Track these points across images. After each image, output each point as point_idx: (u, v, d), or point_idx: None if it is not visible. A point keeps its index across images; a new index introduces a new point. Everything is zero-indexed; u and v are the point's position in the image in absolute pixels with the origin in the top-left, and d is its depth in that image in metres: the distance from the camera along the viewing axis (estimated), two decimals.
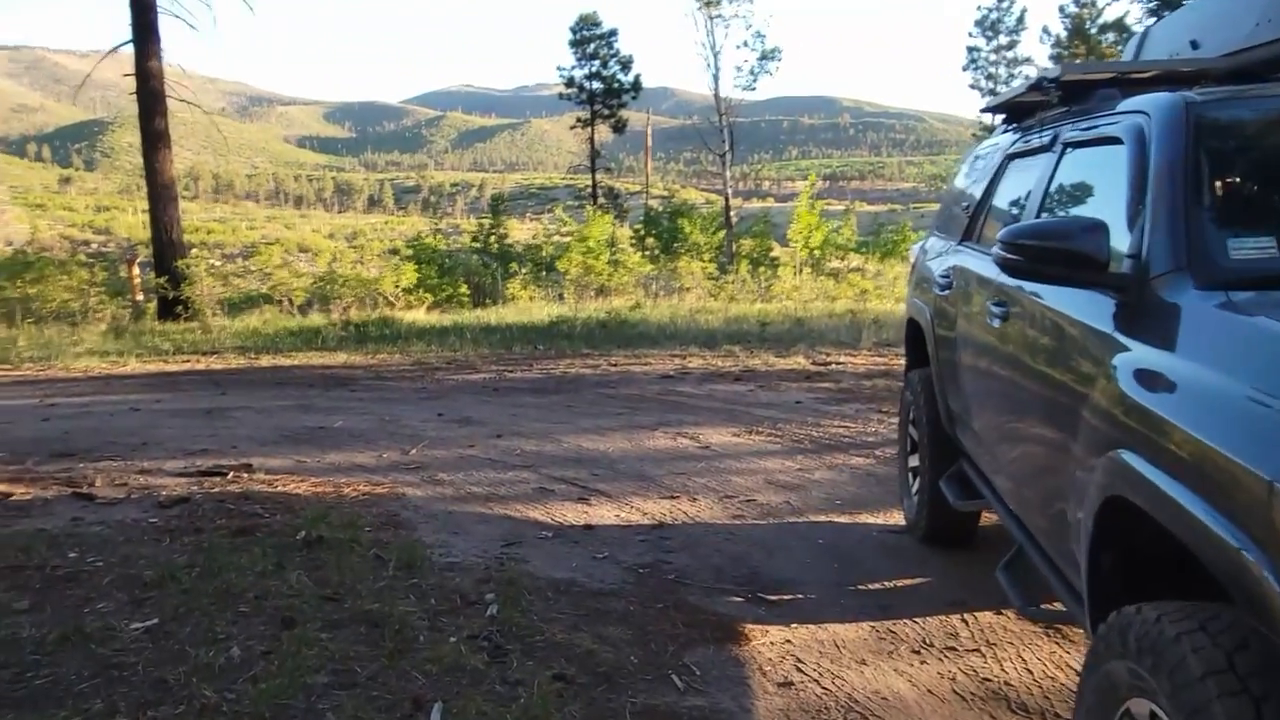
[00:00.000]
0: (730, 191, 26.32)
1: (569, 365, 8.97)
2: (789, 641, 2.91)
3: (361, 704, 2.37)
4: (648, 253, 19.80)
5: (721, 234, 22.00)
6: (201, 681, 2.45)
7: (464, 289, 17.63)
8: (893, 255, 18.91)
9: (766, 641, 2.91)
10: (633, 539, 3.89)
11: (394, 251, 21.23)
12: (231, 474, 4.76)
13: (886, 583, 3.42)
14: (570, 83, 32.16)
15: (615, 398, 7.20)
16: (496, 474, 4.97)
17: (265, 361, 10.02)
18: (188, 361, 10.23)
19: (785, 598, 3.28)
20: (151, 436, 5.85)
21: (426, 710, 2.36)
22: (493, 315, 13.90)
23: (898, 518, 4.07)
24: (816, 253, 18.78)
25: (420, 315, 14.15)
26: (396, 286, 15.54)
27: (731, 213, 25.33)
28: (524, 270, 19.89)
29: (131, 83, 15.04)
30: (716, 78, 26.86)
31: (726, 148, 26.68)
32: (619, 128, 32.98)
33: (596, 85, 31.98)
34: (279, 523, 3.85)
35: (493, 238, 21.66)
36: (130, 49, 14.92)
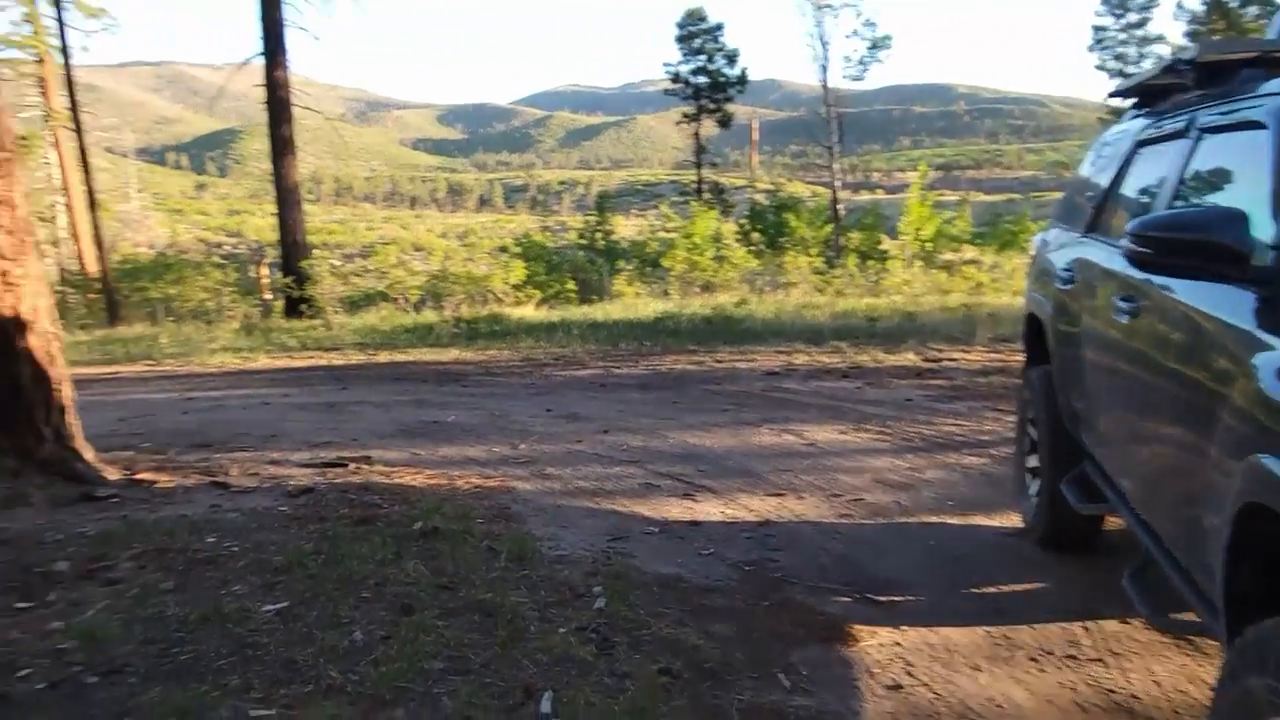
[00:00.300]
0: (838, 184, 25.79)
1: (674, 361, 9.00)
2: (898, 644, 2.85)
3: (475, 690, 2.45)
4: (753, 248, 19.62)
5: (828, 228, 21.60)
6: (327, 663, 2.59)
7: (571, 285, 17.91)
8: (1010, 247, 18.15)
9: (875, 643, 2.86)
10: (738, 536, 3.89)
11: (503, 249, 21.75)
12: (352, 465, 4.99)
13: (1002, 587, 3.31)
14: (676, 78, 32.15)
15: (720, 394, 7.19)
16: (603, 469, 5.04)
17: (383, 357, 10.44)
18: (312, 357, 10.75)
19: (895, 599, 3.21)
20: (280, 429, 6.19)
21: (537, 698, 2.42)
22: (599, 311, 14.07)
23: (1014, 520, 3.92)
24: (928, 245, 18.23)
25: (529, 311, 14.46)
26: (506, 283, 15.93)
27: (839, 205, 24.81)
28: (630, 266, 20.05)
29: (261, 93, 15.92)
30: (825, 68, 26.28)
31: (834, 139, 26.15)
32: (724, 122, 32.81)
33: (702, 80, 31.87)
34: (397, 513, 4.02)
35: (599, 234, 21.93)
36: (260, 61, 15.77)
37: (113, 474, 4.49)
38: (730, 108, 32.87)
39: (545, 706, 2.38)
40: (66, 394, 4.36)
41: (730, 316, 12.10)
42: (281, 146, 15.93)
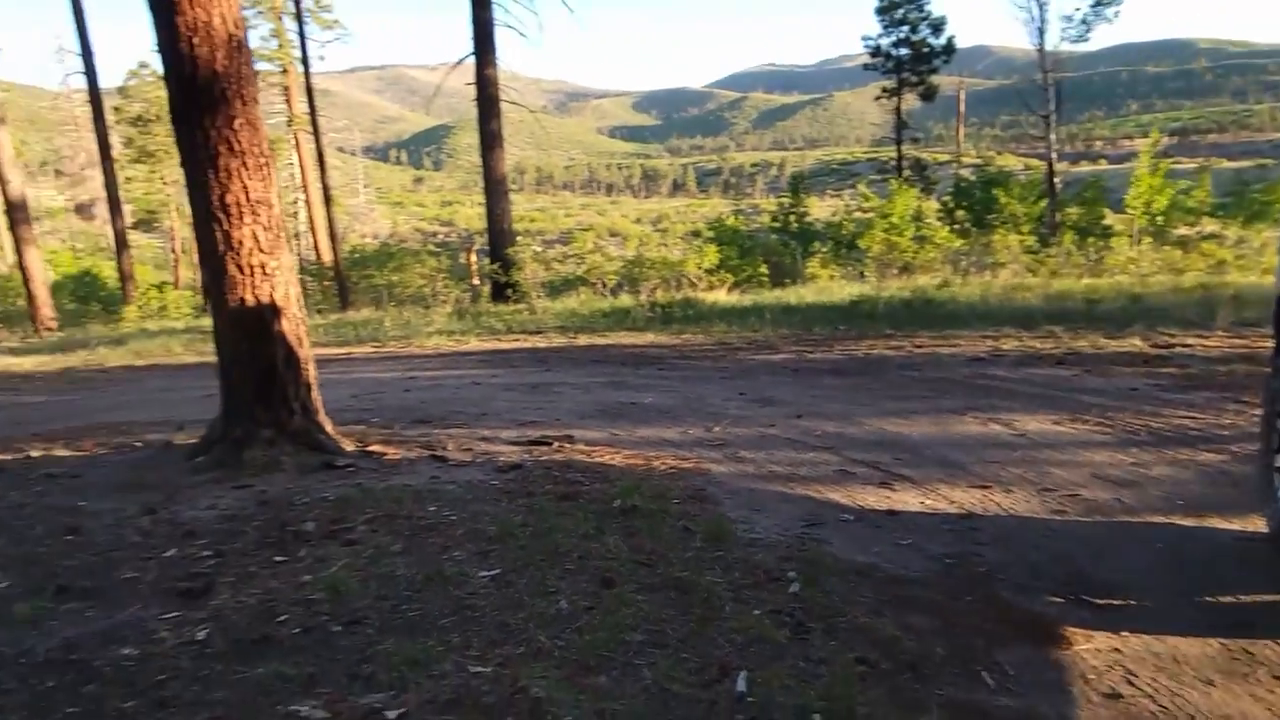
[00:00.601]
0: (1054, 155, 23.90)
1: (870, 346, 8.77)
2: (1118, 650, 2.67)
3: (673, 664, 2.54)
4: (957, 226, 18.66)
5: (1043, 203, 20.13)
6: (537, 628, 2.76)
7: (763, 269, 17.82)
8: (1260, 219, 16.19)
9: (1091, 648, 2.69)
10: (939, 528, 3.76)
11: (696, 234, 21.92)
12: (556, 444, 5.25)
13: (1241, 597, 3.00)
14: (876, 52, 30.92)
15: (920, 380, 6.94)
16: (796, 454, 5.01)
17: (582, 340, 10.86)
18: (517, 340, 11.37)
19: (1115, 603, 3.00)
20: (490, 408, 6.61)
21: (732, 677, 2.47)
22: (792, 295, 13.92)
23: (1257, 524, 3.54)
24: (1160, 219, 16.63)
25: (721, 296, 14.53)
26: (699, 268, 16.08)
27: (1055, 179, 23.00)
28: (824, 249, 19.67)
29: (472, 90, 16.89)
30: (1041, 31, 24.35)
31: (1051, 107, 24.26)
32: (928, 95, 31.25)
33: (904, 52, 30.46)
34: (597, 491, 4.20)
35: (792, 216, 21.63)
36: (472, 60, 16.74)
37: (349, 445, 4.98)
38: (934, 79, 31.22)
39: (740, 685, 2.42)
40: (311, 373, 4.87)
41: (931, 299, 11.62)
42: (490, 140, 16.85)
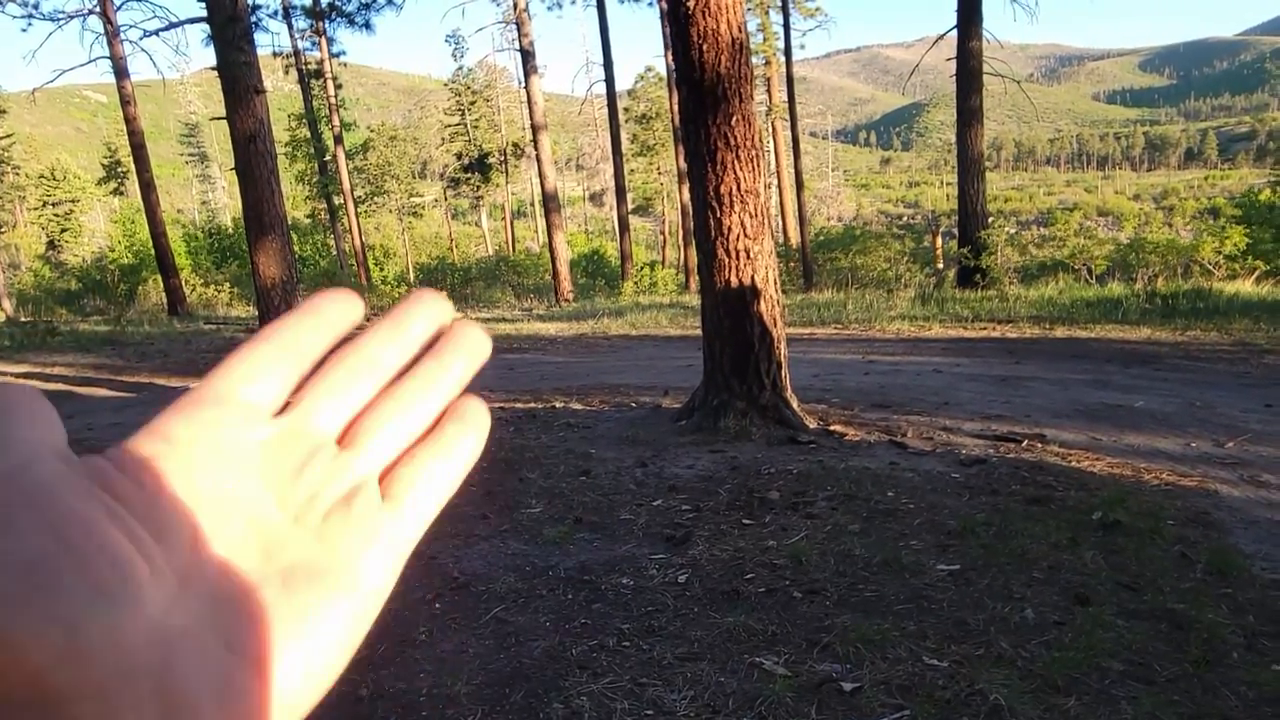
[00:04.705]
0: None
1: None
2: None
3: (1161, 704, 2.26)
4: None
5: None
6: (998, 632, 2.65)
7: None
8: None
9: None
10: None
11: (1213, 212, 18.63)
12: (1025, 442, 4.91)
13: None
14: None
15: None
16: None
17: (1059, 332, 9.93)
18: (984, 329, 10.76)
19: None
20: (951, 397, 6.38)
21: None
22: None
23: None
24: None
25: (1246, 287, 12.19)
26: (1218, 253, 13.66)
27: None
28: None
29: (948, 66, 16.22)
30: None
31: None
32: None
33: None
34: (1073, 498, 3.85)
35: None
36: (953, 35, 16.07)
37: (811, 423, 5.20)
38: None
39: None
40: (783, 351, 5.17)
41: None
42: (969, 117, 16.04)
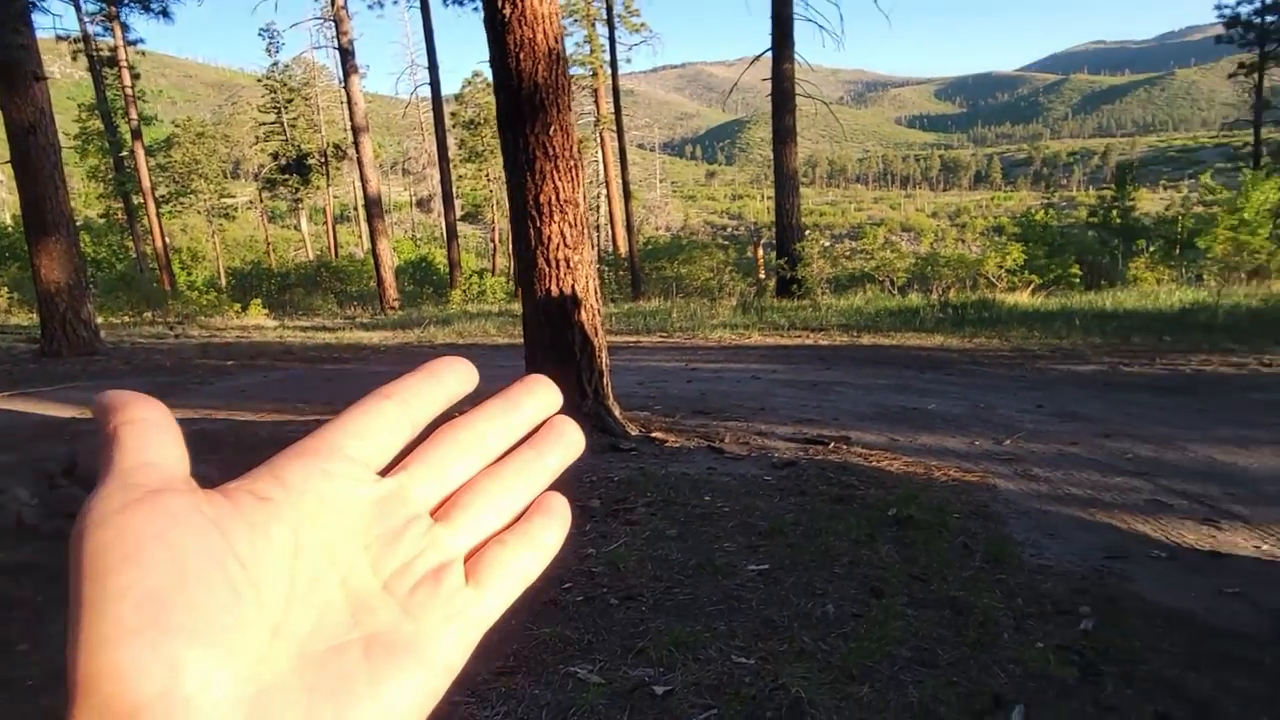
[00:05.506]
0: None
1: (1204, 362, 7.72)
2: None
3: (941, 686, 2.44)
4: None
5: None
6: (801, 628, 2.78)
7: (1075, 269, 16.26)
8: None
9: None
10: (1278, 579, 3.25)
11: (998, 229, 20.47)
12: (832, 444, 5.20)
13: None
14: (1234, 21, 26.87)
15: (1267, 404, 6.01)
16: (1101, 477, 4.56)
17: (866, 340, 10.59)
18: (799, 337, 11.32)
19: None
20: (768, 403, 6.67)
21: (1006, 709, 2.33)
22: (1108, 299, 12.60)
23: None
24: None
25: (1023, 298, 13.48)
26: (999, 267, 15.03)
27: None
28: (1151, 248, 17.54)
29: (766, 85, 17.01)
30: None
31: None
32: None
33: (1270, 19, 26.23)
34: (872, 496, 4.11)
35: (1115, 211, 19.54)
36: (769, 56, 16.85)
37: (633, 430, 5.27)
38: None
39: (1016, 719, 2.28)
40: (604, 360, 5.22)
41: None
42: (784, 135, 16.86)
